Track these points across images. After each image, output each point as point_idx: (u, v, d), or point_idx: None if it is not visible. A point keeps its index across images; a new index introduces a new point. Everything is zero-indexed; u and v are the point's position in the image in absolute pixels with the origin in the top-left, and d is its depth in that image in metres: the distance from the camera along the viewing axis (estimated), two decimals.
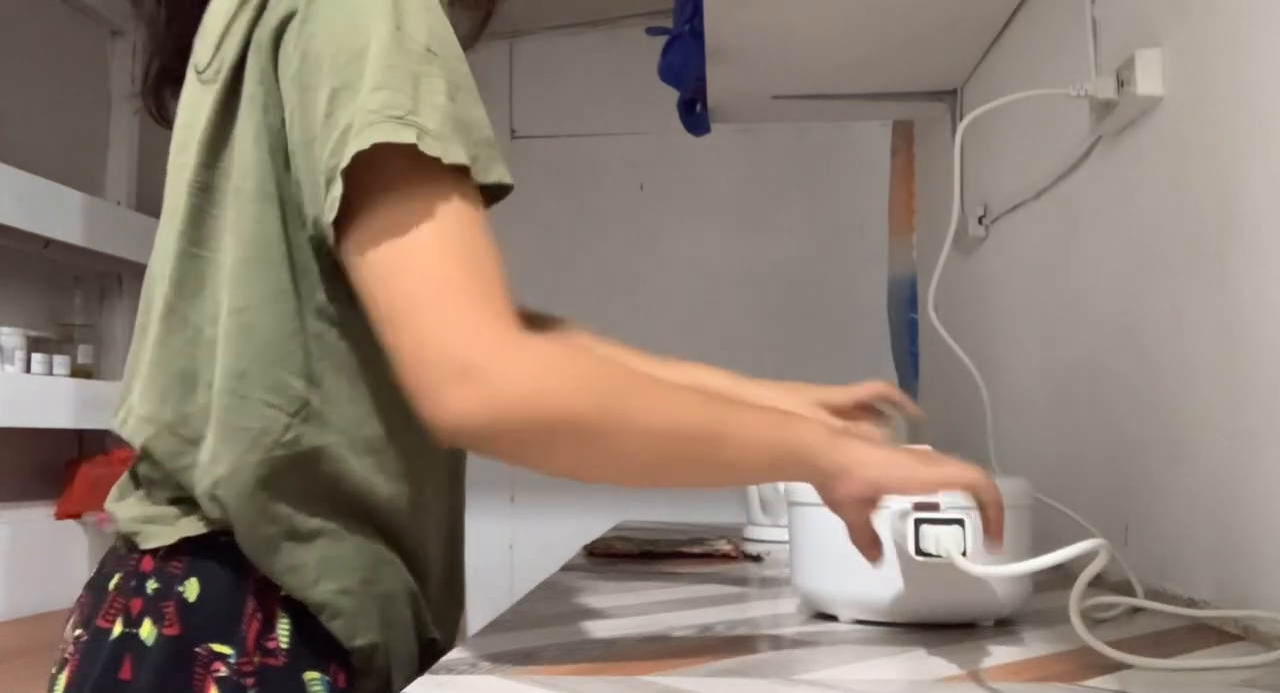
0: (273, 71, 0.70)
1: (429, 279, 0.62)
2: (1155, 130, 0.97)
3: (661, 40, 1.70)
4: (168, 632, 0.70)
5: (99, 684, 0.70)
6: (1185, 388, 0.90)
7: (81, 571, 2.28)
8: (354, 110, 0.63)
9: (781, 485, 1.26)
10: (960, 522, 0.71)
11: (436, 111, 0.64)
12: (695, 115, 1.77)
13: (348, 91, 0.64)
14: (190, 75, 0.79)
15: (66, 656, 0.74)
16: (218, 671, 0.70)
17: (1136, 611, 0.87)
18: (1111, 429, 1.08)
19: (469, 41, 0.80)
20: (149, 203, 2.65)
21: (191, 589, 0.71)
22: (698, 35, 1.51)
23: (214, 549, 0.71)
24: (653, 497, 2.22)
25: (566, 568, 1.24)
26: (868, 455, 0.69)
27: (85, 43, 2.56)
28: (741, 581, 1.13)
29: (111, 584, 0.74)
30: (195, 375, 0.72)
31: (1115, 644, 0.66)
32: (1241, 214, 0.81)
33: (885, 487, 0.68)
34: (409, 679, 0.63)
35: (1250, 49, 0.80)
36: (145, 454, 0.74)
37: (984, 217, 1.54)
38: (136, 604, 0.72)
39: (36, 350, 2.14)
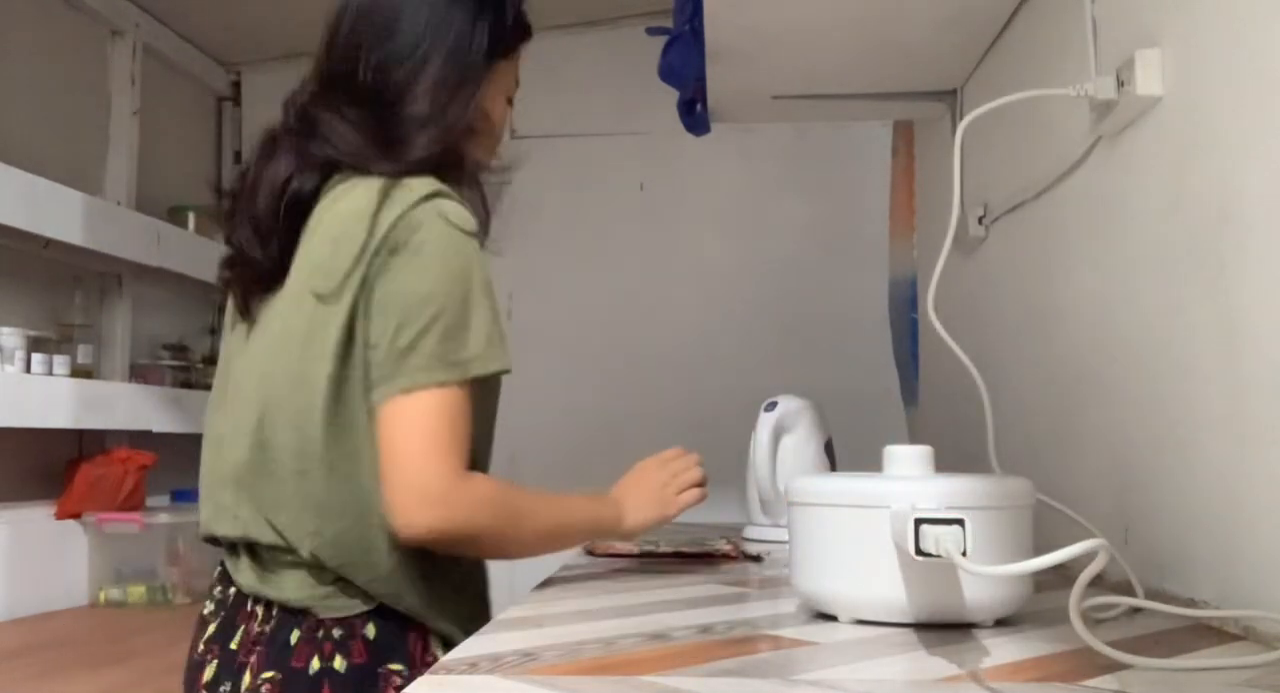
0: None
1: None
2: (1155, 130, 0.97)
3: (661, 40, 1.70)
4: (356, 661, 1.01)
5: None
6: (1185, 388, 0.90)
7: (81, 571, 2.28)
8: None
9: (781, 486, 1.30)
10: (960, 522, 0.71)
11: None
12: (695, 115, 1.77)
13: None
14: (296, 292, 1.06)
15: None
16: (395, 681, 1.01)
17: (1136, 611, 0.87)
18: (1111, 429, 1.08)
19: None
20: (149, 203, 2.65)
21: (371, 630, 1.03)
22: (698, 35, 1.51)
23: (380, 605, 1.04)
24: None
25: (566, 568, 1.24)
26: (627, 510, 1.17)
27: (85, 43, 2.56)
28: (741, 581, 1.13)
29: (293, 638, 1.02)
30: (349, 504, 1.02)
31: (1115, 644, 0.66)
32: (1241, 214, 0.81)
33: (643, 532, 1.19)
34: None
35: (1250, 49, 0.80)
36: (315, 558, 1.02)
37: (984, 217, 1.54)
38: (327, 647, 1.01)
39: (36, 350, 2.14)
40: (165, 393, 2.57)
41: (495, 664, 0.66)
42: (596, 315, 2.91)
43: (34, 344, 2.15)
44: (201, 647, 1.08)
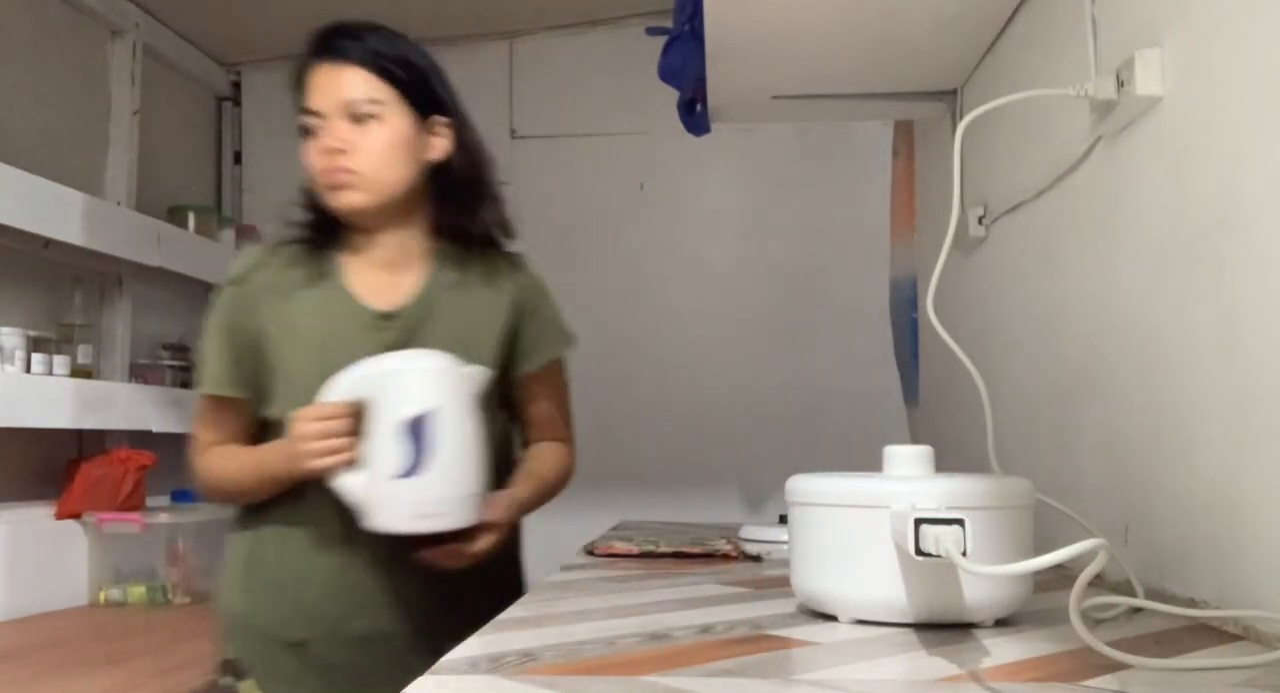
0: None
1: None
2: (1155, 130, 0.97)
3: (661, 40, 1.70)
4: None
5: None
6: (1185, 388, 0.90)
7: (81, 571, 2.28)
8: None
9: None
10: (960, 522, 0.71)
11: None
12: (695, 115, 1.77)
13: None
14: None
15: None
16: None
17: (1136, 611, 0.87)
18: (1111, 429, 1.08)
19: None
20: (149, 203, 2.65)
21: None
22: (698, 35, 1.51)
23: None
24: (653, 497, 2.21)
25: (566, 568, 1.24)
26: (288, 456, 1.24)
27: (85, 43, 2.56)
28: (741, 581, 1.13)
29: None
30: None
31: (1115, 644, 0.66)
32: (1241, 214, 0.81)
33: (302, 474, 1.24)
34: None
35: (1250, 49, 0.80)
36: None
37: (984, 217, 1.54)
38: None
39: (36, 350, 2.14)
40: (165, 393, 2.57)
41: (495, 664, 0.66)
42: (596, 315, 2.91)
43: (34, 344, 2.15)
44: None
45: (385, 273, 1.33)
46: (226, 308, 1.33)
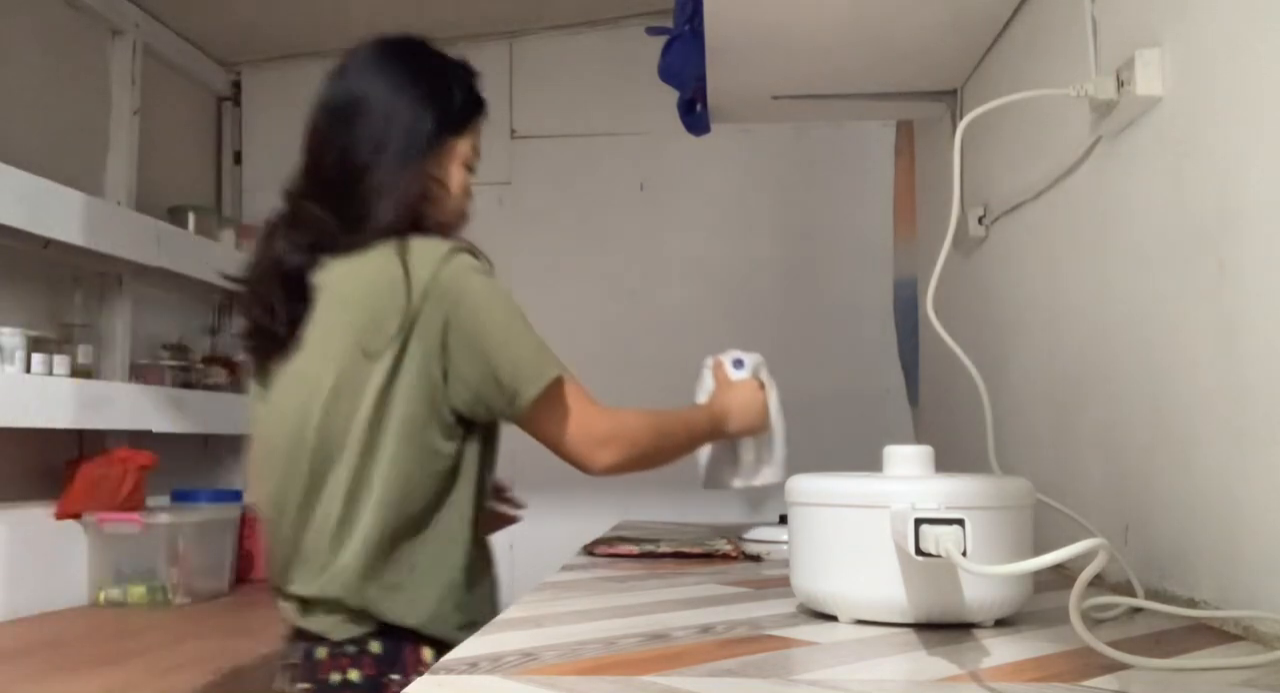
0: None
1: None
2: (1155, 130, 0.97)
3: (661, 40, 1.70)
4: (368, 673, 1.22)
5: None
6: (1185, 388, 0.90)
7: (81, 571, 2.28)
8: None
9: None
10: (960, 522, 0.71)
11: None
12: (695, 115, 1.77)
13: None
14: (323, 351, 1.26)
15: None
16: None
17: (1136, 611, 0.87)
18: (1111, 429, 1.08)
19: None
20: (149, 203, 2.65)
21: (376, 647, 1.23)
22: (698, 35, 1.51)
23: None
24: (653, 497, 2.21)
25: (566, 568, 1.24)
26: (732, 415, 1.49)
27: (85, 43, 2.56)
28: (741, 581, 1.13)
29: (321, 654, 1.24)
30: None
31: (1115, 644, 0.66)
32: (1241, 214, 0.81)
33: (738, 434, 1.53)
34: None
35: (1250, 49, 0.80)
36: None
37: (984, 217, 1.54)
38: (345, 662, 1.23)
39: (36, 350, 2.14)
40: (165, 393, 2.57)
41: (495, 664, 0.66)
42: (596, 315, 2.91)
43: (34, 344, 2.15)
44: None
45: None
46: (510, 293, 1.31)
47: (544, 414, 1.26)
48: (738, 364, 1.57)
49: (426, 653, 1.23)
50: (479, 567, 1.29)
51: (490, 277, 1.28)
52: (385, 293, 1.22)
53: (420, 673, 1.03)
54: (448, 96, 1.34)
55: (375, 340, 1.22)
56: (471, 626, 1.08)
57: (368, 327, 1.22)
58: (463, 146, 1.37)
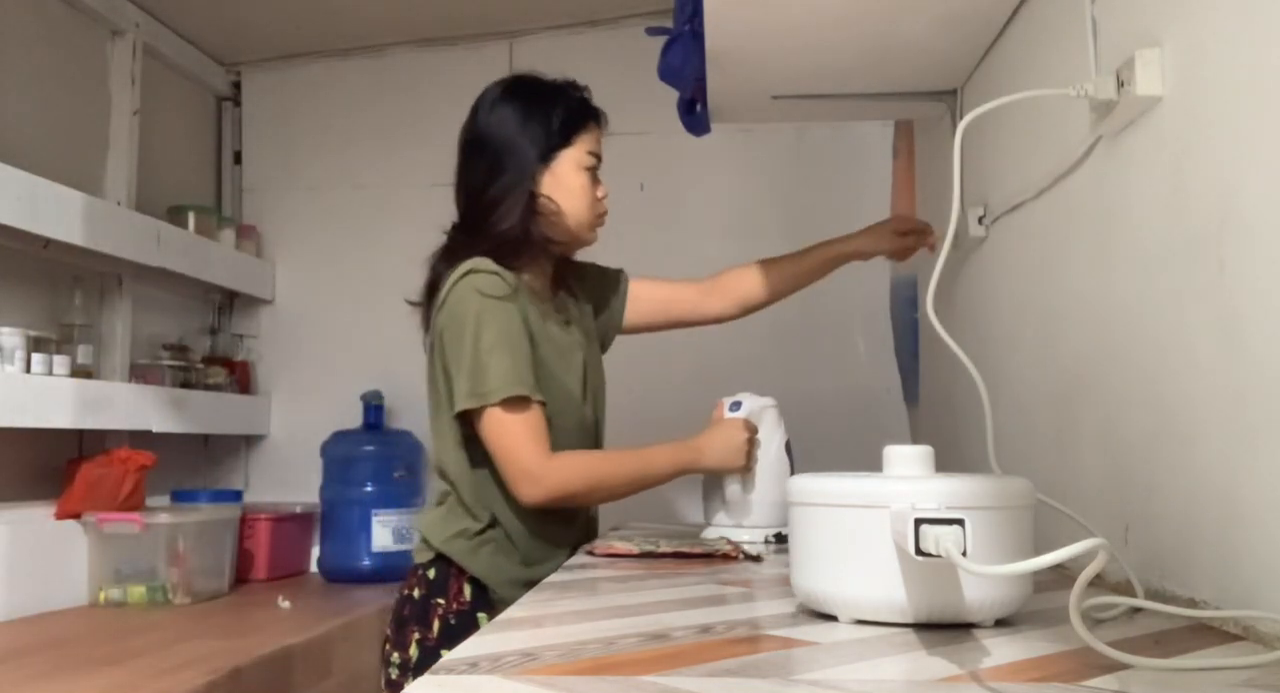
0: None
1: None
2: (1155, 130, 0.97)
3: (661, 40, 1.70)
4: (419, 592, 1.50)
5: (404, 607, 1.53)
6: (1185, 388, 0.90)
7: (81, 571, 2.28)
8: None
9: (749, 486, 1.57)
10: (960, 522, 0.71)
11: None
12: (695, 115, 1.77)
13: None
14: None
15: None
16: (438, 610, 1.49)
17: (1136, 611, 0.87)
18: (1111, 429, 1.08)
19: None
20: (149, 203, 2.65)
21: (432, 573, 1.51)
22: (698, 35, 1.51)
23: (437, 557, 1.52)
24: (653, 497, 2.21)
25: (566, 568, 1.24)
26: (707, 453, 1.55)
27: (85, 43, 2.56)
28: (741, 581, 1.13)
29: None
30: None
31: (1115, 644, 0.66)
32: (1241, 214, 0.81)
33: (715, 471, 1.57)
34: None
35: (1250, 49, 0.80)
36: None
37: (984, 217, 1.54)
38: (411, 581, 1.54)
39: (36, 350, 2.14)
40: (165, 393, 2.57)
41: (495, 664, 0.66)
42: None
43: (34, 344, 2.15)
44: None
45: (544, 295, 1.60)
46: (513, 314, 1.46)
47: (488, 433, 1.44)
48: (734, 406, 1.60)
49: (466, 588, 1.48)
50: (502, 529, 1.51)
51: (491, 297, 1.44)
52: (437, 303, 1.49)
53: (460, 603, 1.47)
54: (547, 118, 1.56)
55: (429, 342, 1.53)
56: (497, 570, 1.47)
57: (431, 331, 1.52)
58: (573, 154, 1.59)
